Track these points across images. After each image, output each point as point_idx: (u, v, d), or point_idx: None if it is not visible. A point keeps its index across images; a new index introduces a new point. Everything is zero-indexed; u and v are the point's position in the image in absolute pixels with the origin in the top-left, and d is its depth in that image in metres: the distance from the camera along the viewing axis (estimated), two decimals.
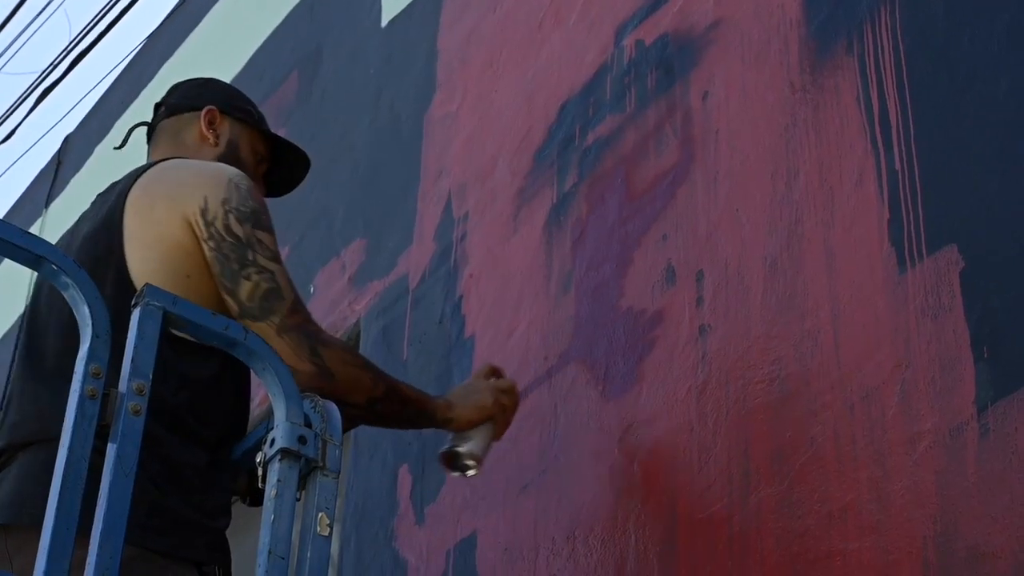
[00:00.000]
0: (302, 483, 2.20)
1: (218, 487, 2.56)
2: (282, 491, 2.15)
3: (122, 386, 2.08)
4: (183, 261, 2.60)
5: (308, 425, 2.23)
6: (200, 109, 2.98)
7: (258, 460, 2.22)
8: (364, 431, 3.83)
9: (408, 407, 2.77)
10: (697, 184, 3.08)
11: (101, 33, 7.41)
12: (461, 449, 2.87)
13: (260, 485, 2.20)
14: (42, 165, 7.61)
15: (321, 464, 2.21)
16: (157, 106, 3.06)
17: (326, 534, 2.17)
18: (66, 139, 7.42)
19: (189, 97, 3.02)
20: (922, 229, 2.54)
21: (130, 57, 7.15)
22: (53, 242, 2.24)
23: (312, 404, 2.26)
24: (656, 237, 3.13)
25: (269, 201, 2.83)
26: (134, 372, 2.09)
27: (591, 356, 3.19)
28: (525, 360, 3.37)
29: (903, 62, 2.71)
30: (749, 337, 2.80)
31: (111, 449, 2.04)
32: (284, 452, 2.18)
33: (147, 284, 2.19)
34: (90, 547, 1.98)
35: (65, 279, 2.09)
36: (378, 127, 4.57)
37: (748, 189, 2.95)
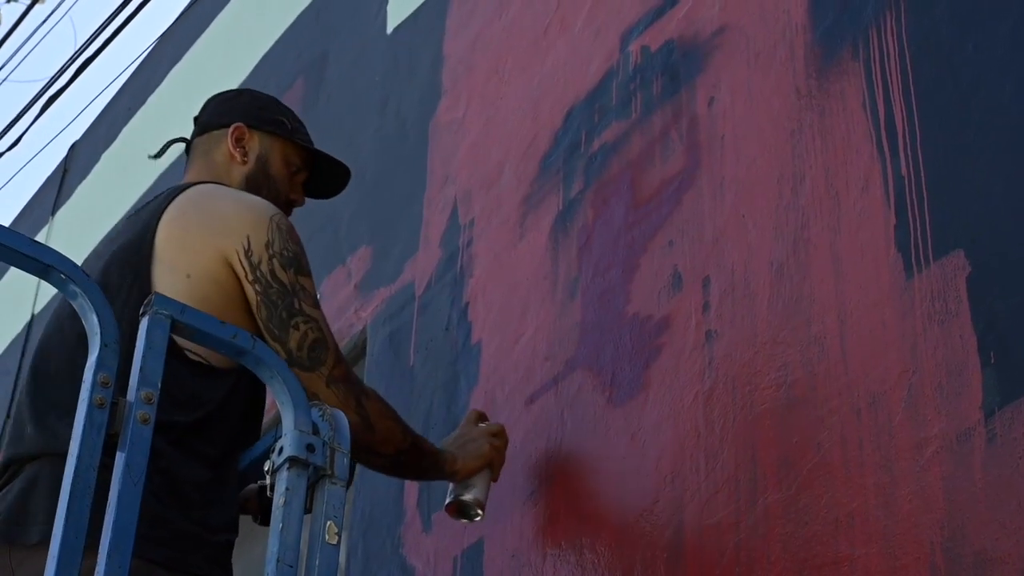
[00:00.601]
0: (310, 491, 2.20)
1: (220, 504, 2.56)
2: (290, 499, 2.15)
3: (130, 395, 2.08)
4: (211, 291, 2.63)
5: (316, 433, 2.23)
6: (229, 126, 2.98)
7: (266, 468, 2.22)
8: None
9: (424, 460, 2.91)
10: (703, 190, 3.08)
11: (107, 40, 7.42)
12: (467, 498, 3.02)
13: (268, 494, 2.20)
14: (48, 172, 7.62)
15: (329, 472, 2.21)
16: (195, 120, 3.07)
17: (335, 542, 2.17)
18: (72, 146, 7.42)
19: (218, 114, 3.03)
20: (928, 234, 2.54)
21: (136, 64, 7.16)
22: (60, 249, 2.24)
23: (320, 412, 2.26)
24: (662, 243, 3.13)
25: None
26: (142, 381, 2.09)
27: (597, 362, 3.19)
28: (531, 366, 3.38)
29: (909, 67, 2.71)
30: (756, 343, 2.80)
31: (120, 458, 2.04)
32: (292, 460, 2.18)
33: (155, 293, 2.19)
34: (99, 556, 1.98)
35: (73, 288, 2.09)
36: (384, 133, 4.57)
37: (754, 195, 2.95)
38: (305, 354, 2.64)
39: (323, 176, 3.11)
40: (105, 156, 6.85)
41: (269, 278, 2.65)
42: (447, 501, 3.05)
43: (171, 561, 2.42)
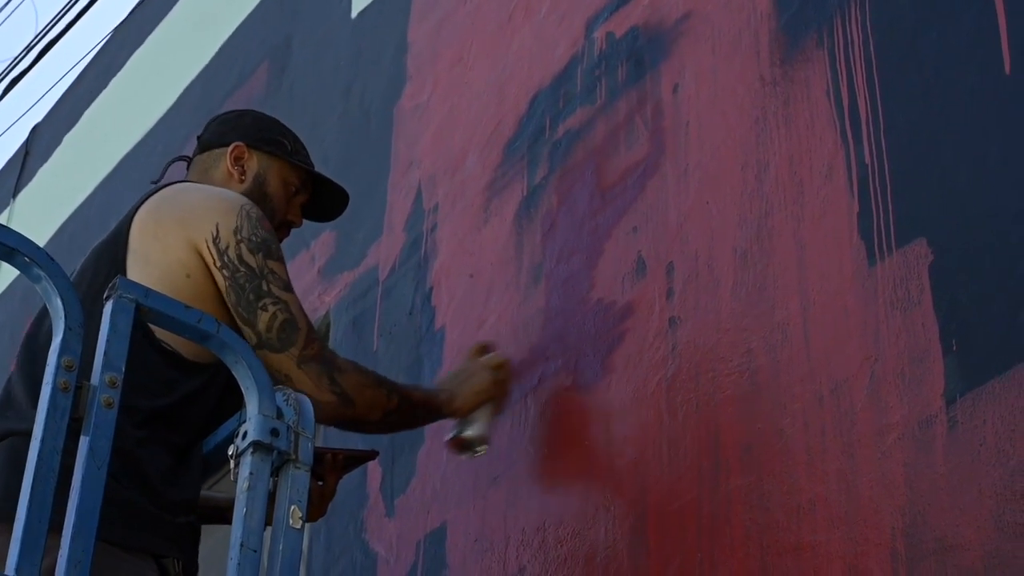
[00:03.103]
0: (274, 476, 2.20)
1: (180, 485, 2.56)
2: (254, 484, 2.15)
3: (94, 379, 2.08)
4: (184, 282, 2.64)
5: (280, 418, 2.23)
6: (229, 145, 3.00)
7: (230, 453, 2.22)
8: None
9: (418, 411, 2.89)
10: (667, 176, 3.09)
11: (70, 23, 7.38)
12: (469, 434, 2.99)
13: (232, 478, 2.20)
14: (9, 155, 7.58)
15: (293, 457, 2.21)
16: (197, 139, 3.09)
17: (298, 527, 2.17)
18: (34, 129, 7.39)
19: (219, 133, 3.06)
20: (891, 222, 2.55)
21: (99, 47, 7.12)
22: (21, 232, 2.23)
23: (285, 397, 2.26)
24: (626, 229, 3.14)
25: None
26: (107, 365, 2.09)
27: (561, 348, 3.19)
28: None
29: (873, 56, 2.72)
30: (719, 329, 2.81)
31: (83, 442, 2.04)
32: (256, 445, 2.18)
33: (119, 277, 2.19)
34: (62, 540, 1.98)
35: (37, 271, 2.09)
36: (348, 118, 4.56)
37: (718, 182, 2.95)
38: (275, 335, 2.64)
39: (322, 198, 3.11)
40: (67, 139, 6.82)
41: (237, 262, 2.65)
42: (447, 437, 3.02)
43: (126, 540, 2.41)
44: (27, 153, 7.26)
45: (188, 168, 3.08)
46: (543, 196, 3.45)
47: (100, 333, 2.13)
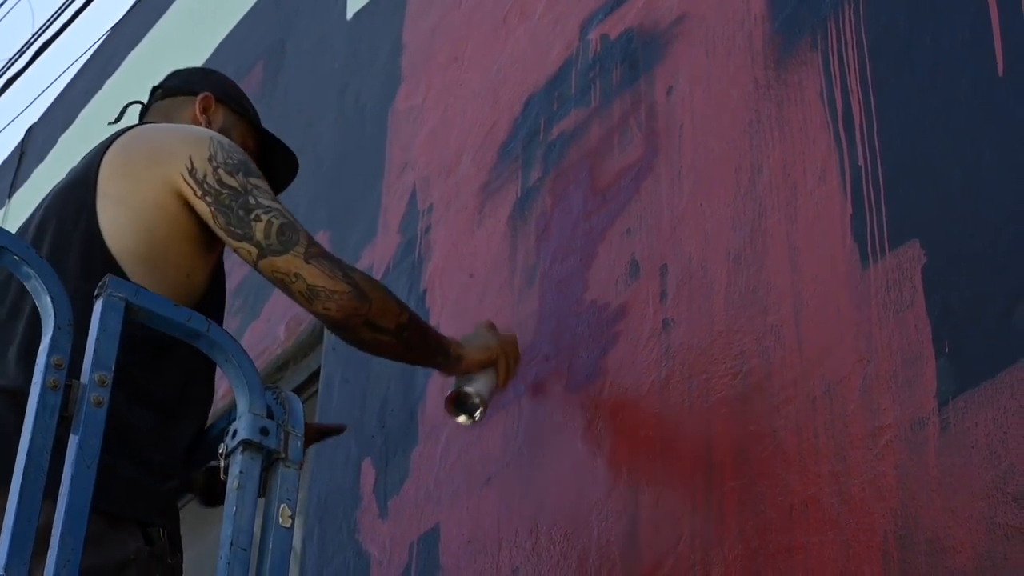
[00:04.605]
0: (264, 475, 2.20)
1: (166, 449, 2.52)
2: (244, 482, 2.14)
3: (84, 377, 2.07)
4: (157, 219, 2.60)
5: (270, 416, 2.22)
6: (197, 94, 2.98)
7: (220, 451, 2.22)
8: (328, 420, 3.83)
9: (427, 337, 2.81)
10: (661, 178, 3.09)
11: (65, 23, 7.39)
12: (469, 388, 2.90)
13: (222, 477, 2.19)
14: (5, 155, 7.59)
15: (283, 455, 2.20)
16: (154, 89, 3.06)
17: (288, 525, 2.16)
18: (29, 129, 7.39)
19: (188, 82, 3.03)
20: (884, 224, 2.55)
21: (95, 47, 7.13)
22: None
23: (274, 396, 2.25)
24: (620, 231, 3.14)
25: None
26: (97, 363, 2.08)
27: (555, 350, 3.19)
28: None
29: (867, 58, 2.72)
30: (712, 331, 2.81)
31: (73, 440, 2.03)
32: (246, 444, 2.17)
33: (109, 276, 2.18)
34: (52, 539, 1.97)
35: (27, 269, 2.08)
36: (343, 120, 4.56)
37: (712, 184, 2.95)
38: (275, 239, 2.58)
39: (273, 169, 3.07)
40: (62, 140, 6.82)
41: (218, 186, 2.59)
42: (447, 393, 2.94)
43: (111, 509, 2.37)
44: (23, 153, 7.27)
45: (143, 114, 3.04)
46: (537, 198, 3.45)
47: (89, 332, 2.12)
